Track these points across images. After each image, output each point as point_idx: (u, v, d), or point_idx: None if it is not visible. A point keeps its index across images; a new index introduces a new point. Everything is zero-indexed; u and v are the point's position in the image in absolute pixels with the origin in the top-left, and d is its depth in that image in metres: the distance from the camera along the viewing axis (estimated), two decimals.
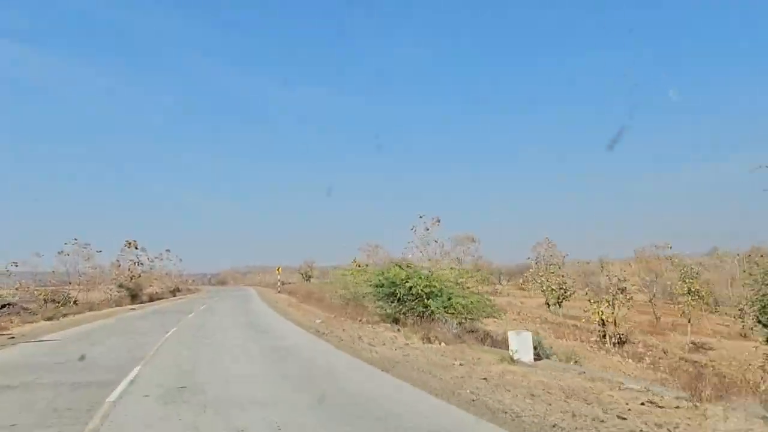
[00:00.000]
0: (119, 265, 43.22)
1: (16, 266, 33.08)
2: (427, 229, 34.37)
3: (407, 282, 16.54)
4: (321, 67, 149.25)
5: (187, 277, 77.04)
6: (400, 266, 17.64)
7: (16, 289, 34.63)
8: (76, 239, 36.82)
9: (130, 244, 45.21)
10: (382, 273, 17.41)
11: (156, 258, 51.30)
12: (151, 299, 41.19)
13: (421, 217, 34.20)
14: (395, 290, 16.78)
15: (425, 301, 16.33)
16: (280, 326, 18.25)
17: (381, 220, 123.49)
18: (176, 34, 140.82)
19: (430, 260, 33.64)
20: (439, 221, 34.95)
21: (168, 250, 54.11)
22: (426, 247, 35.55)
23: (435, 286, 16.41)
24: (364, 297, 20.95)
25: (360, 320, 17.57)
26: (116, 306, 33.04)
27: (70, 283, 35.59)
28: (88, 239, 36.83)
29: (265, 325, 18.51)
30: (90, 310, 26.17)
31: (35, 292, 32.90)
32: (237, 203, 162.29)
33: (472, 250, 49.33)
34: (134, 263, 44.44)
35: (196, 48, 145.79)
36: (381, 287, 17.17)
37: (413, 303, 16.53)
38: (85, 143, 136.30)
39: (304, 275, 73.65)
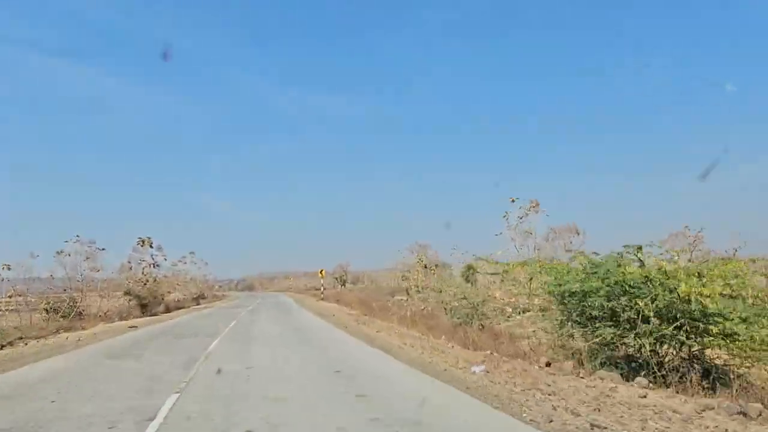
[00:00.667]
0: (130, 268, 35.62)
1: (9, 269, 25.72)
2: (525, 214, 25.68)
3: (663, 290, 7.73)
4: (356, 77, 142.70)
5: (213, 282, 70.95)
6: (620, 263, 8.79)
7: (9, 297, 27.72)
8: (78, 236, 29.36)
9: (144, 242, 37.45)
10: (602, 272, 8.51)
11: (179, 261, 43.89)
12: (168, 309, 33.29)
13: (513, 201, 25.44)
14: (630, 305, 8.00)
15: (707, 326, 7.49)
16: (420, 388, 7.61)
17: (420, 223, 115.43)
18: (213, 48, 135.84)
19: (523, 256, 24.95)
20: (537, 206, 26.16)
21: (192, 253, 46.62)
22: (525, 240, 26.79)
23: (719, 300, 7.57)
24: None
25: (577, 371, 8.43)
26: (119, 319, 25.10)
27: (65, 290, 27.97)
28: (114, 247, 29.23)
29: (379, 383, 8.12)
30: (66, 330, 18.02)
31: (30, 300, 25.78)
32: (263, 210, 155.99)
33: (575, 245, 39.90)
34: (149, 265, 36.76)
35: (235, 63, 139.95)
36: (599, 297, 8.31)
37: (673, 332, 7.69)
38: (123, 153, 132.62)
39: (338, 279, 65.35)
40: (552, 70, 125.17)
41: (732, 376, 7.48)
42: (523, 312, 16.80)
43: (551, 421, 5.64)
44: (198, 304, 42.41)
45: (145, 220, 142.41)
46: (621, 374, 8.03)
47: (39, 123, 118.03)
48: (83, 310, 27.08)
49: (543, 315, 11.30)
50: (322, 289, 46.10)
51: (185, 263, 42.77)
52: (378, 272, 73.36)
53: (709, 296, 7.51)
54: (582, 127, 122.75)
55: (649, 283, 8.05)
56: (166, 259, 39.84)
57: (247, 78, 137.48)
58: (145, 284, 33.30)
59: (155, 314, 29.98)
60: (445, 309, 16.04)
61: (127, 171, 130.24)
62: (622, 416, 5.94)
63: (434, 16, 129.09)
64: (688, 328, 7.72)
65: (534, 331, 11.44)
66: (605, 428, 5.40)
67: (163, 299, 35.43)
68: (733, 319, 7.39)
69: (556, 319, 9.65)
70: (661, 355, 8.10)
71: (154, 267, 36.71)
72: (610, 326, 8.36)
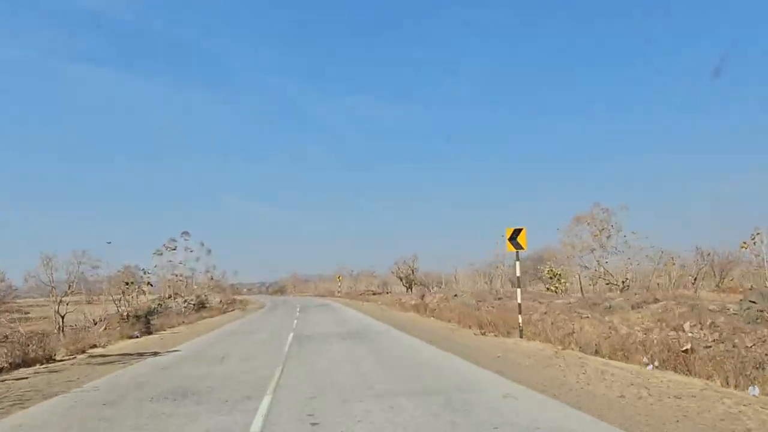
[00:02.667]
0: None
1: None
2: None
3: None
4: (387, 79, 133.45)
5: (229, 282, 59.11)
6: None
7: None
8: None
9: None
10: None
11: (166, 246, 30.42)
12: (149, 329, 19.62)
13: None
14: None
15: None
16: None
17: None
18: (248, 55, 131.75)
19: None
20: None
21: (186, 233, 32.91)
22: None
23: None
24: None
25: None
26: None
27: None
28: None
29: None
30: None
31: None
32: (296, 211, 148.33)
33: None
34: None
35: (266, 66, 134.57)
36: None
37: None
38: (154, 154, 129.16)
39: (403, 280, 51.00)
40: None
41: None
42: None
43: None
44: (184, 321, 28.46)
45: (173, 223, 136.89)
46: None
47: (66, 129, 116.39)
48: None
49: None
50: (407, 290, 31.79)
51: (173, 248, 28.99)
52: (445, 274, 58.95)
53: None
54: None
55: None
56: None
57: (278, 80, 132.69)
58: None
59: (135, 337, 16.23)
60: None
61: (155, 172, 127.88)
62: None
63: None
64: None
65: None
66: None
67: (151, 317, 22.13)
68: None
69: None
70: None
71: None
72: None
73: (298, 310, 31.58)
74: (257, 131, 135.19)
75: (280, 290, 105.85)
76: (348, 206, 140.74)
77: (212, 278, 34.14)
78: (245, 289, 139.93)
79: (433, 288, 53.88)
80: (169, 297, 28.22)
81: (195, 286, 33.45)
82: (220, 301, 35.75)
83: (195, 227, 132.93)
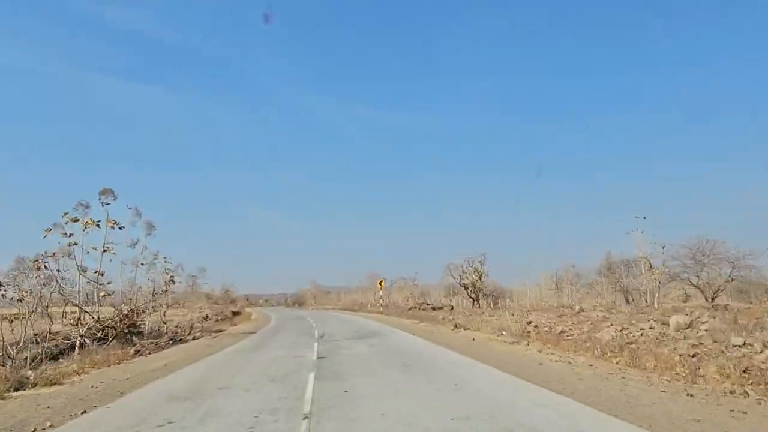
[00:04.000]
0: None
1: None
2: None
3: None
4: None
5: (255, 296, 46.34)
6: None
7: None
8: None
9: None
10: None
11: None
12: None
13: None
14: None
15: None
16: None
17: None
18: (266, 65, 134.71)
19: None
20: None
21: (150, 227, 18.40)
22: None
23: None
24: None
25: None
26: None
27: None
28: None
29: None
30: None
31: None
32: (318, 222, 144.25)
33: None
34: None
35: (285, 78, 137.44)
36: None
37: None
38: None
39: (469, 290, 35.69)
40: None
41: None
42: None
43: None
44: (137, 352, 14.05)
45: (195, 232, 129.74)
46: None
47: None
48: None
49: None
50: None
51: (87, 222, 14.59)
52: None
53: None
54: None
55: None
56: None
57: (298, 90, 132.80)
58: None
59: None
60: None
61: (181, 185, 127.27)
62: None
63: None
64: None
65: None
66: None
67: None
68: None
69: None
70: None
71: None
72: None
73: (316, 341, 16.87)
74: (280, 142, 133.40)
75: (298, 302, 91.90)
76: (375, 215, 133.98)
77: (171, 279, 19.49)
78: (261, 300, 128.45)
79: (501, 301, 38.55)
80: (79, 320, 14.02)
81: (155, 294, 18.91)
82: (190, 320, 21.44)
83: (222, 237, 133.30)
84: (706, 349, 9.99)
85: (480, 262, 35.30)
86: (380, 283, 44.20)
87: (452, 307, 33.45)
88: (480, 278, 35.45)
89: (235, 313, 42.59)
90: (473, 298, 35.08)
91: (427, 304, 36.25)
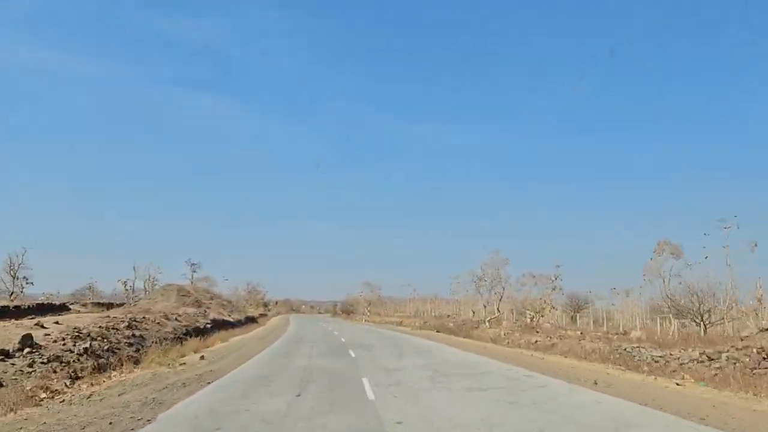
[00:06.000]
0: None
1: None
2: None
3: None
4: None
5: (300, 302, 42.90)
6: None
7: None
8: None
9: None
10: None
11: None
12: None
13: None
14: None
15: None
16: None
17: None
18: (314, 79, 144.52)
19: None
20: None
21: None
22: None
23: None
24: None
25: None
26: None
27: None
28: None
29: None
30: None
31: None
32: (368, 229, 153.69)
33: None
34: None
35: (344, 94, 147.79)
36: None
37: None
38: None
39: (573, 308, 31.46)
40: None
41: None
42: None
43: None
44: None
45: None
46: None
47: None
48: None
49: None
50: None
51: None
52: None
53: None
54: None
55: None
56: None
57: (359, 107, 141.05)
58: None
59: None
60: None
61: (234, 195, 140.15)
62: None
63: None
64: None
65: None
66: None
67: None
68: None
69: None
70: None
71: None
72: None
73: None
74: (336, 155, 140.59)
75: (346, 311, 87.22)
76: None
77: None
78: (305, 306, 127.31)
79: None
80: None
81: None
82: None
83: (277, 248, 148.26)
84: None
85: (555, 275, 31.36)
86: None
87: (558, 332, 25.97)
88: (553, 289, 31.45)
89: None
90: (574, 314, 31.09)
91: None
